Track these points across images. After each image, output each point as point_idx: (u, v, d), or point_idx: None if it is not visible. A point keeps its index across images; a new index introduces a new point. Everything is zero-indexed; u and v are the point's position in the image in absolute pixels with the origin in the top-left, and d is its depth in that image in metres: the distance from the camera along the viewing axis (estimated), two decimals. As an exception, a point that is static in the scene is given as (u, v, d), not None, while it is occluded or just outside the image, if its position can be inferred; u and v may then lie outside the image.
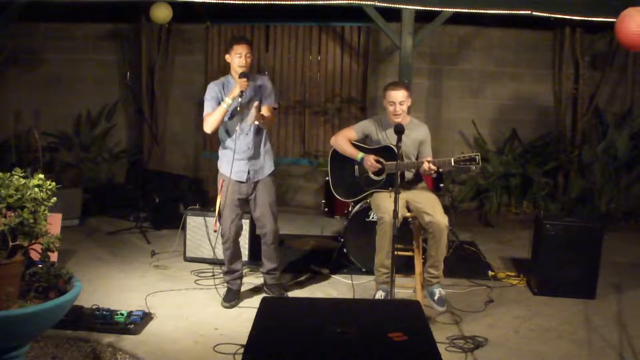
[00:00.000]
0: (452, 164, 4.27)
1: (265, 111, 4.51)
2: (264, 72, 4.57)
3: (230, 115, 4.46)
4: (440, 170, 6.09)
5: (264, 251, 4.75)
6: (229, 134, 4.52)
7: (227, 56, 4.47)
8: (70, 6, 7.30)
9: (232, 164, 4.48)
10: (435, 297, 4.34)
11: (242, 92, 4.33)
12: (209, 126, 4.44)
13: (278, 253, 4.80)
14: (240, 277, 4.74)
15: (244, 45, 4.40)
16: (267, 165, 4.63)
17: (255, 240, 5.46)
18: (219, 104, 4.43)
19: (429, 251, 4.36)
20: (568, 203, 7.55)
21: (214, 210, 5.52)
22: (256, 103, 4.45)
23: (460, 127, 8.01)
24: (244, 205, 4.65)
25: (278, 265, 4.83)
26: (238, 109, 4.41)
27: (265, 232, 4.67)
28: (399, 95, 4.44)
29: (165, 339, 4.00)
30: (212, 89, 4.51)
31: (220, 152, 4.63)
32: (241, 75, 4.34)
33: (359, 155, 4.57)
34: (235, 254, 4.67)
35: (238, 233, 4.66)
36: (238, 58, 4.40)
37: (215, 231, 4.58)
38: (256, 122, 4.45)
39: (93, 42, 8.35)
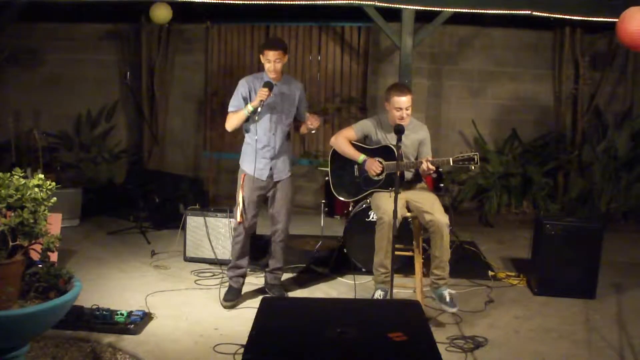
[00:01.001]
0: (451, 163, 4.27)
1: (310, 119, 4.63)
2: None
3: (260, 114, 4.46)
4: (440, 170, 6.11)
5: (272, 248, 4.77)
6: (256, 132, 4.52)
7: (261, 57, 4.49)
8: (70, 6, 7.30)
9: (255, 162, 4.53)
10: (447, 300, 4.28)
11: (262, 101, 4.36)
12: (229, 126, 4.56)
13: (285, 253, 4.81)
14: (243, 276, 4.74)
15: (274, 52, 4.40)
16: (288, 165, 4.68)
17: (255, 241, 5.46)
18: (244, 101, 4.48)
19: (433, 252, 4.35)
20: (568, 203, 7.55)
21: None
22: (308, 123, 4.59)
23: (460, 127, 8.02)
24: (263, 202, 4.69)
25: (282, 266, 4.84)
26: (257, 118, 4.42)
27: (277, 229, 4.71)
28: (405, 101, 4.44)
29: (165, 339, 4.00)
30: (243, 87, 4.54)
31: (244, 148, 4.65)
32: (264, 85, 4.38)
33: (360, 157, 4.56)
34: (244, 249, 4.68)
35: (252, 230, 4.71)
36: (267, 63, 4.43)
37: (240, 223, 4.57)
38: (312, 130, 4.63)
39: (93, 42, 8.35)
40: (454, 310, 4.29)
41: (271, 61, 4.41)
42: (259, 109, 4.40)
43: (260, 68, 4.59)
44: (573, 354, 3.94)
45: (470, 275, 5.36)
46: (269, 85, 4.38)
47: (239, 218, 4.56)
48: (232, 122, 4.52)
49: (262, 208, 4.74)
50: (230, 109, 4.55)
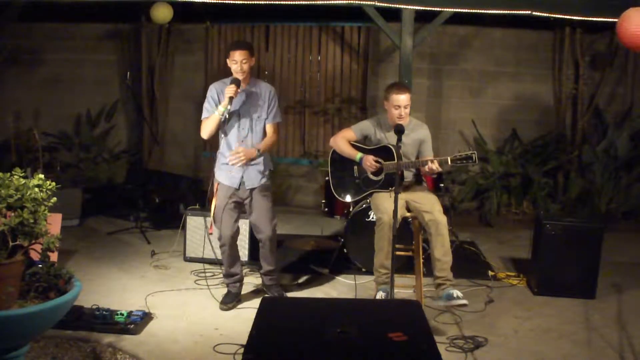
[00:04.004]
0: (449, 162, 4.28)
1: (268, 129, 4.51)
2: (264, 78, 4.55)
3: (229, 121, 4.42)
4: (440, 169, 6.10)
5: (261, 253, 4.73)
6: (226, 139, 4.48)
7: (227, 61, 4.42)
8: (70, 6, 7.30)
9: (226, 170, 4.49)
10: (455, 295, 4.24)
11: (231, 98, 4.29)
12: (204, 132, 4.47)
13: (275, 256, 4.77)
14: (240, 281, 4.71)
15: (239, 52, 4.33)
16: (262, 172, 4.56)
17: (255, 241, 5.46)
18: (216, 105, 4.41)
19: (434, 255, 4.32)
20: (568, 203, 7.55)
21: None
22: None
23: (460, 127, 8.01)
24: (240, 208, 4.62)
25: (275, 268, 4.81)
26: (226, 116, 4.35)
27: (261, 237, 4.64)
28: (404, 99, 4.45)
29: (165, 339, 4.00)
30: (211, 92, 4.48)
31: (217, 156, 4.58)
32: (231, 82, 4.31)
33: (358, 155, 4.57)
34: (233, 257, 4.63)
35: (235, 237, 4.61)
36: (234, 64, 4.35)
37: (210, 234, 4.58)
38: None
39: (93, 42, 8.35)
40: (465, 301, 4.21)
41: (238, 62, 4.32)
42: (229, 107, 4.32)
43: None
44: (573, 354, 3.94)
45: (470, 275, 5.36)
46: (235, 81, 4.30)
47: (210, 228, 4.53)
48: (206, 128, 4.43)
49: (242, 211, 4.68)
50: (203, 115, 4.47)
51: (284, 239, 6.25)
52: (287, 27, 8.11)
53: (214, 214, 4.54)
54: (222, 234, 4.54)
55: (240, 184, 4.50)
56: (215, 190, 4.54)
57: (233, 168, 4.46)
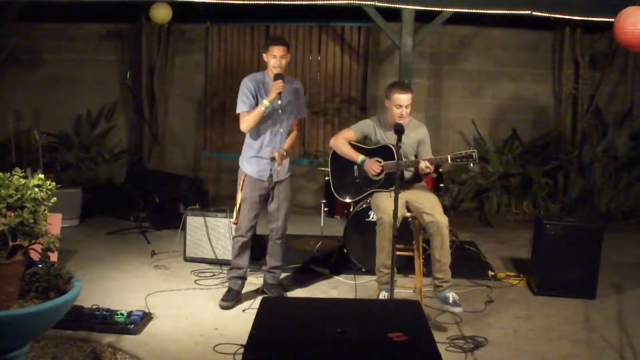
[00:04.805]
0: (449, 161, 4.29)
1: (293, 127, 4.71)
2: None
3: (265, 116, 4.49)
4: (440, 170, 6.11)
5: (270, 247, 4.78)
6: (258, 133, 4.55)
7: (264, 55, 4.52)
8: (70, 6, 7.29)
9: (254, 163, 4.56)
10: (450, 301, 4.29)
11: (279, 93, 4.37)
12: (245, 126, 4.50)
13: (283, 252, 4.81)
14: (242, 278, 4.73)
15: (280, 47, 4.44)
16: (288, 165, 4.68)
17: (255, 240, 5.46)
18: (254, 99, 4.46)
19: (433, 255, 4.34)
20: (568, 203, 7.55)
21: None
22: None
23: (460, 127, 8.02)
24: (264, 202, 4.69)
25: (281, 265, 4.83)
26: (280, 111, 4.46)
27: (274, 227, 4.70)
28: (406, 99, 4.45)
29: (165, 339, 4.00)
30: (247, 86, 4.51)
31: (245, 148, 4.65)
32: (276, 77, 4.38)
33: (359, 158, 4.56)
34: (244, 247, 4.68)
35: (251, 230, 4.69)
36: (273, 59, 4.44)
37: (235, 223, 4.62)
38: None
39: (93, 42, 8.35)
40: (459, 310, 4.29)
41: (277, 57, 4.43)
42: (280, 101, 4.40)
43: (260, 67, 4.57)
44: (573, 354, 3.94)
45: (470, 275, 5.36)
46: (280, 76, 4.39)
47: (234, 218, 4.62)
48: (249, 122, 4.45)
49: (263, 209, 4.74)
50: (243, 109, 4.48)
51: (284, 239, 6.25)
52: (287, 27, 8.10)
53: (239, 205, 4.60)
54: (241, 224, 4.62)
55: (268, 177, 4.58)
56: (241, 182, 4.59)
57: (262, 161, 4.55)
